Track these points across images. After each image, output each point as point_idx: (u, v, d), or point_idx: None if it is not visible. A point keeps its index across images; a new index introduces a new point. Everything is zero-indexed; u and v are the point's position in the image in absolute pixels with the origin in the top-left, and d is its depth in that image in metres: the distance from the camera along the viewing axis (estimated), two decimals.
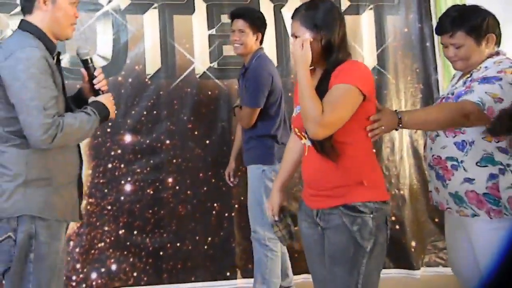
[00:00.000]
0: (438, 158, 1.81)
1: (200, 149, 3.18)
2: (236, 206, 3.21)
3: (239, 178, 3.17)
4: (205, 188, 3.19)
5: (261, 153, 2.64)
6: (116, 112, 1.76)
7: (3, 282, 1.54)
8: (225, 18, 3.25)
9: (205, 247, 3.17)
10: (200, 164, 3.18)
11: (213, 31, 3.23)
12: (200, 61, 3.19)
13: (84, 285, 2.95)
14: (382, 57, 3.38)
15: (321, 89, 1.52)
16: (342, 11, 3.12)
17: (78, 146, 1.70)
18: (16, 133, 1.49)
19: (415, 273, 3.23)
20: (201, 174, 3.19)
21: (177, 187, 3.14)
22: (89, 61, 1.73)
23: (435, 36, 3.56)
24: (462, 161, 1.74)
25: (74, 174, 1.62)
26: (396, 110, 1.60)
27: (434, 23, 3.54)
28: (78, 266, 2.96)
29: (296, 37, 1.58)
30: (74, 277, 2.95)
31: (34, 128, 1.42)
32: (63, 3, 1.61)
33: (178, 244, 3.13)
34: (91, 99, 1.69)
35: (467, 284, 1.87)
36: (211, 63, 3.20)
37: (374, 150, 1.71)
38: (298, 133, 1.65)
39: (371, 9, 3.39)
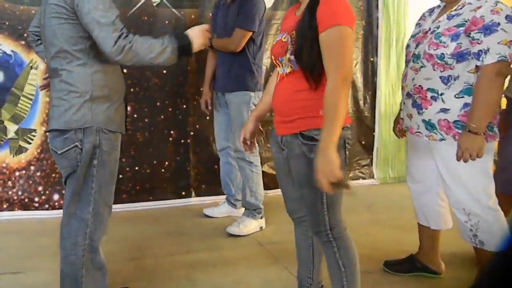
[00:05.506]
0: (419, 88, 1.94)
1: (157, 79, 3.27)
2: (192, 133, 3.41)
3: (194, 106, 3.34)
4: (162, 117, 3.34)
5: (248, 80, 2.73)
6: (206, 43, 1.80)
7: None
8: None
9: (162, 170, 3.39)
10: (157, 93, 3.29)
11: None
12: None
13: (47, 206, 3.12)
14: None
15: (302, 24, 1.57)
16: None
17: (122, 70, 1.86)
18: (82, 52, 1.66)
19: None
20: (158, 103, 3.31)
21: (135, 115, 3.26)
22: None
23: None
24: (442, 94, 1.89)
25: (123, 92, 1.83)
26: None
27: None
28: (40, 188, 3.11)
29: None
30: (36, 199, 3.11)
31: (106, 41, 1.58)
32: None
33: (136, 168, 3.33)
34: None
35: (422, 190, 2.17)
36: None
37: None
38: (274, 61, 1.72)
39: None
